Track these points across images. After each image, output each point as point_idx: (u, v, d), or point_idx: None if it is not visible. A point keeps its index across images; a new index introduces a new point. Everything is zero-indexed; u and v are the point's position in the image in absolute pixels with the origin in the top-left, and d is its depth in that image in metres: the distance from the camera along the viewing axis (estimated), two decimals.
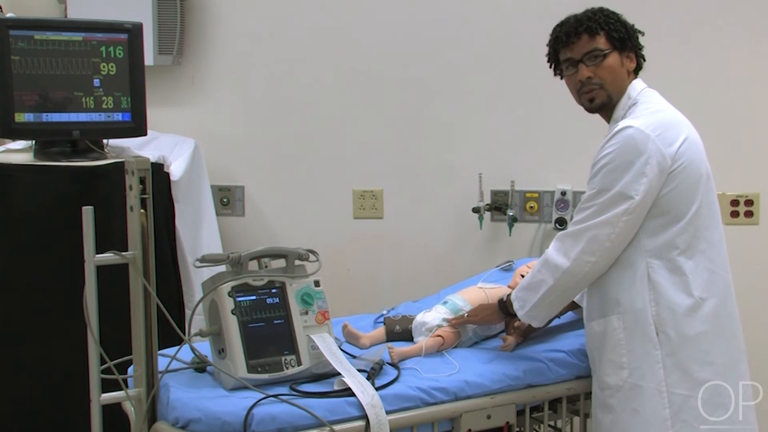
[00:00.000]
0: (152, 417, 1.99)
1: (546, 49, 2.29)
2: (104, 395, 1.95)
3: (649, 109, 2.13)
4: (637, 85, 2.19)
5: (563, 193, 3.26)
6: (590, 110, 2.23)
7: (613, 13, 2.20)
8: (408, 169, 3.42)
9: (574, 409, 2.39)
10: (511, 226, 3.30)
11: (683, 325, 2.06)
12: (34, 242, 2.63)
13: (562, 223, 3.25)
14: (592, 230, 2.08)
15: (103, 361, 1.95)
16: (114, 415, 2.08)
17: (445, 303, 2.52)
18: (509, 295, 2.27)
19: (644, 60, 2.23)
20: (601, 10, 2.20)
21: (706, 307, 2.07)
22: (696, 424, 2.05)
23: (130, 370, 2.08)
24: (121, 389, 1.99)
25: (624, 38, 2.17)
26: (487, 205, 3.32)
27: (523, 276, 2.63)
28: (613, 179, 2.06)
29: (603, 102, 2.18)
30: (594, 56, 2.15)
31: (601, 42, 2.15)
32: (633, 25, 2.21)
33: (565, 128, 3.28)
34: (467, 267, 3.24)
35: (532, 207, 3.33)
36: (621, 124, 2.09)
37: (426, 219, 3.42)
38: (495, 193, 3.34)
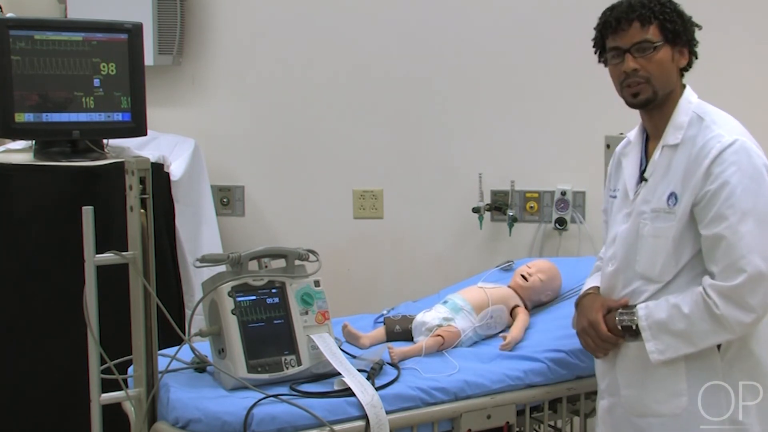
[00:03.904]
0: (152, 417, 1.99)
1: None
2: (104, 395, 1.95)
3: (725, 115, 1.97)
4: (690, 90, 2.02)
5: (563, 193, 3.26)
6: (632, 105, 2.01)
7: (670, 1, 1.98)
8: (408, 169, 3.42)
9: (574, 409, 2.39)
10: (511, 226, 3.30)
11: (753, 347, 1.95)
12: (34, 242, 2.63)
13: (562, 223, 3.25)
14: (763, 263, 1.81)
15: (103, 361, 1.95)
16: (114, 415, 2.08)
17: (445, 303, 2.52)
18: (632, 318, 1.96)
19: (696, 57, 2.02)
20: None
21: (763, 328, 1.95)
22: None
23: (130, 370, 2.08)
24: (121, 389, 1.99)
25: (679, 31, 1.95)
26: (487, 205, 3.32)
27: (523, 276, 2.64)
28: (752, 197, 1.84)
29: (647, 98, 1.96)
30: (643, 48, 1.94)
31: (653, 33, 1.93)
32: (690, 18, 2.00)
33: (565, 128, 3.28)
34: (467, 267, 3.24)
35: (532, 207, 3.33)
36: (724, 139, 1.87)
37: (426, 219, 3.42)
38: (495, 193, 3.34)
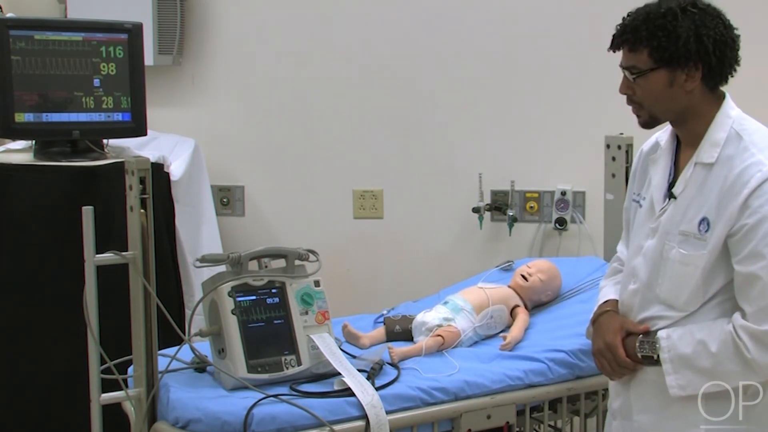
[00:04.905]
0: (152, 417, 1.99)
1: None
2: (104, 395, 1.95)
3: (766, 133, 1.82)
4: (730, 103, 1.86)
5: (563, 193, 3.26)
6: (643, 127, 1.89)
7: (672, 20, 1.76)
8: (408, 169, 3.42)
9: (574, 409, 2.39)
10: (511, 226, 3.30)
11: None
12: (34, 242, 2.63)
13: (562, 223, 3.25)
14: None
15: (103, 361, 1.95)
16: (114, 415, 2.08)
17: (445, 303, 2.52)
18: (653, 347, 1.84)
19: (729, 70, 1.83)
20: (657, 16, 1.78)
21: None
22: None
23: (130, 370, 2.08)
24: (121, 389, 1.99)
25: (678, 53, 1.76)
26: (487, 205, 3.32)
27: (523, 276, 2.64)
28: None
29: (645, 121, 1.86)
30: (632, 73, 1.82)
31: (643, 58, 1.79)
32: (707, 33, 1.77)
33: (565, 128, 3.28)
34: (467, 267, 3.24)
35: (532, 207, 3.33)
36: (765, 168, 1.72)
37: (426, 219, 3.42)
38: (495, 193, 3.34)
